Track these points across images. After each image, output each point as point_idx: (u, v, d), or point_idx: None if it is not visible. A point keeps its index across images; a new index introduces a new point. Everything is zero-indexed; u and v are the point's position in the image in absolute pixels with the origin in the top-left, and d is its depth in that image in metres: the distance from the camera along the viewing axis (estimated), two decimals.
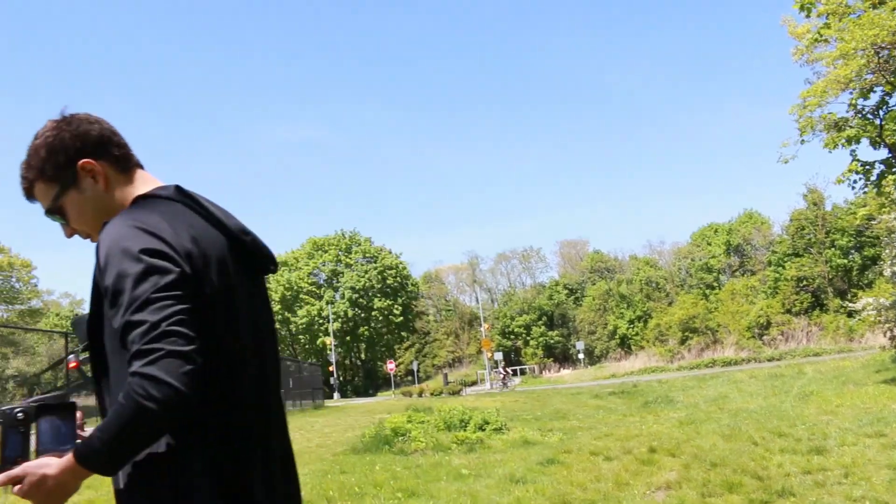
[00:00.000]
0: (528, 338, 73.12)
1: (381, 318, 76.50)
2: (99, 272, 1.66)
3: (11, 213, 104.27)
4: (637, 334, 68.29)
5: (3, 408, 1.67)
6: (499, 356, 64.67)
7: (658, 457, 9.45)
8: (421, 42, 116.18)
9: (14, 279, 63.81)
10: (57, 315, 75.04)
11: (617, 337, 70.11)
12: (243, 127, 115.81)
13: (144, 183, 1.87)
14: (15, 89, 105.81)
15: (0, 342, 61.52)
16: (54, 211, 1.83)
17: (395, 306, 77.10)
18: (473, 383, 58.96)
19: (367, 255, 79.36)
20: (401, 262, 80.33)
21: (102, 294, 1.66)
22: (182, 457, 1.60)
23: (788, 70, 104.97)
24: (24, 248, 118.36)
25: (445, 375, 59.97)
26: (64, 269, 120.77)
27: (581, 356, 64.77)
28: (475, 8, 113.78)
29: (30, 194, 1.86)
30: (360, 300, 76.34)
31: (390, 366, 58.89)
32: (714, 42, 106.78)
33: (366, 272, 76.86)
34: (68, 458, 1.55)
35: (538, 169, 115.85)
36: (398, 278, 78.82)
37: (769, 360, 42.26)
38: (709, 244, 73.12)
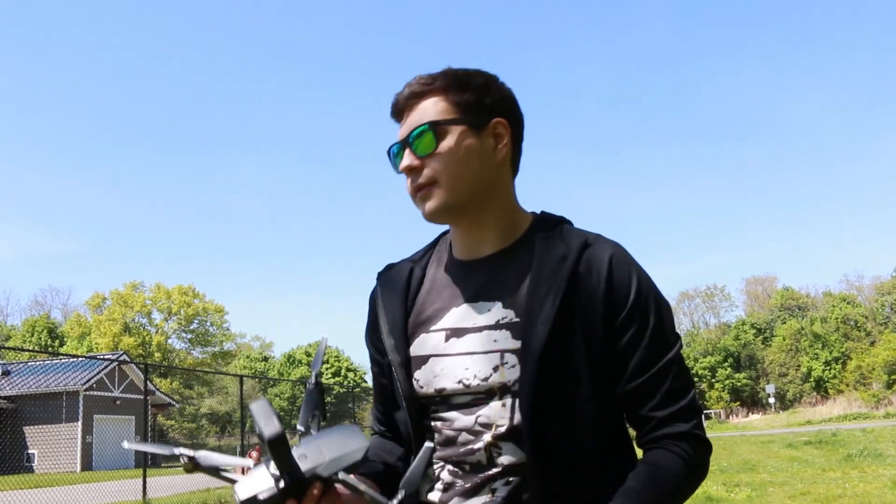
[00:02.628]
0: (714, 380, 69.90)
1: None
2: (619, 293, 1.38)
3: (206, 259, 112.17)
4: (834, 377, 63.78)
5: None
6: None
7: None
8: (576, 77, 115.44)
9: (208, 323, 68.11)
10: (247, 357, 79.32)
11: (811, 379, 65.76)
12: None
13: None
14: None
15: (195, 382, 66.02)
16: (432, 128, 1.42)
17: None
18: None
19: None
20: None
21: (613, 318, 1.37)
22: None
23: None
24: (218, 294, 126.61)
25: None
26: (254, 314, 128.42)
27: (771, 400, 61.16)
28: (643, 42, 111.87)
29: (413, 97, 1.47)
30: None
31: None
32: None
33: None
34: None
35: (721, 204, 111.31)
36: None
37: None
38: None
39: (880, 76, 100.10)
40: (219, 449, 54.41)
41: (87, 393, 37.20)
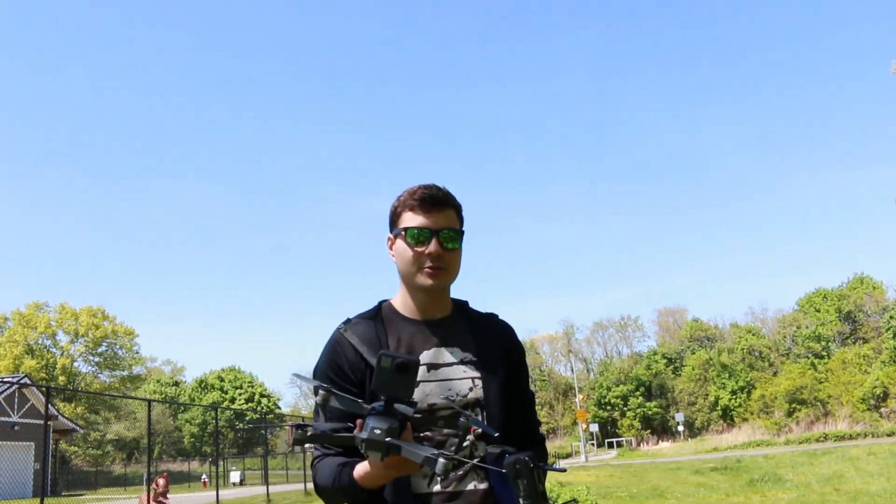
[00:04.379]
0: (626, 409, 71.14)
1: None
2: (516, 348, 2.22)
3: (116, 281, 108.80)
4: (740, 405, 65.72)
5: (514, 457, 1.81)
6: (594, 427, 62.84)
7: None
8: (507, 116, 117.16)
9: (118, 346, 65.89)
10: (158, 381, 76.92)
11: (718, 408, 67.58)
12: (327, 201, 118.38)
13: None
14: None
15: (102, 406, 63.63)
16: (460, 234, 2.10)
17: None
18: (568, 455, 57.32)
19: None
20: None
21: (515, 362, 2.18)
22: None
23: (887, 130, 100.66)
24: (128, 317, 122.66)
25: None
26: (166, 338, 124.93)
27: (681, 428, 62.56)
28: (563, 81, 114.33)
29: (451, 205, 2.10)
30: None
31: None
32: (808, 105, 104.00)
33: None
34: None
35: (635, 237, 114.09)
36: None
37: (889, 435, 39.42)
38: (817, 311, 69.99)
39: (788, 117, 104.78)
40: (124, 477, 51.97)
41: None
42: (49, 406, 17.35)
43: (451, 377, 2.03)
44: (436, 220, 2.03)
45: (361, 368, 2.00)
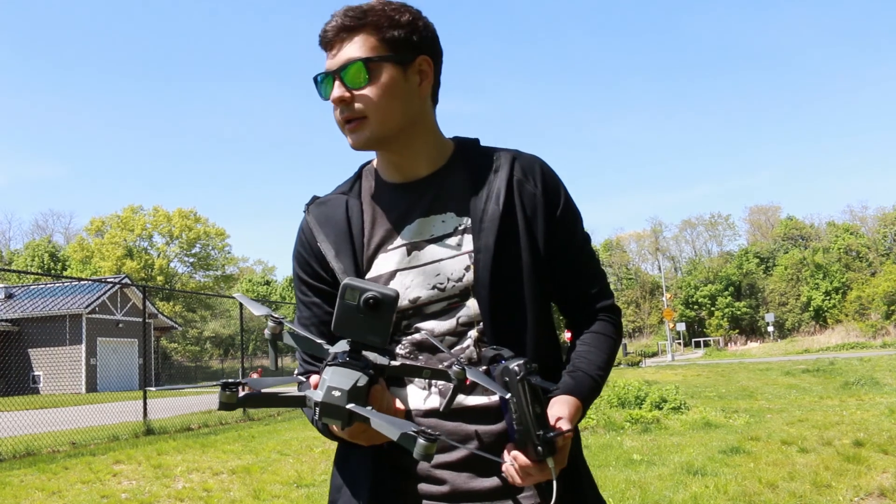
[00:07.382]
0: (713, 308, 70.24)
1: None
2: (547, 191, 1.59)
3: (208, 183, 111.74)
4: (834, 307, 64.03)
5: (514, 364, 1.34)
6: (681, 327, 62.37)
7: (866, 453, 8.12)
8: (581, 14, 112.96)
9: (210, 247, 68.03)
10: (249, 281, 79.50)
11: (811, 309, 66.03)
12: None
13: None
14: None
15: (198, 305, 66.25)
16: (365, 65, 1.47)
17: None
18: (654, 354, 57.24)
19: None
20: None
21: (543, 212, 1.57)
22: None
23: None
24: (219, 218, 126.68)
25: (625, 346, 58.53)
26: (256, 239, 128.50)
27: (770, 329, 61.54)
28: None
29: (344, 30, 1.49)
30: None
31: (567, 334, 57.93)
32: None
33: None
34: (573, 404, 1.47)
35: (725, 132, 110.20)
36: None
37: None
38: None
39: (883, 5, 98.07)
40: (221, 372, 54.68)
41: (90, 316, 37.35)
42: (147, 304, 17.99)
43: (440, 257, 1.53)
44: (337, 59, 1.49)
45: (327, 265, 1.58)
